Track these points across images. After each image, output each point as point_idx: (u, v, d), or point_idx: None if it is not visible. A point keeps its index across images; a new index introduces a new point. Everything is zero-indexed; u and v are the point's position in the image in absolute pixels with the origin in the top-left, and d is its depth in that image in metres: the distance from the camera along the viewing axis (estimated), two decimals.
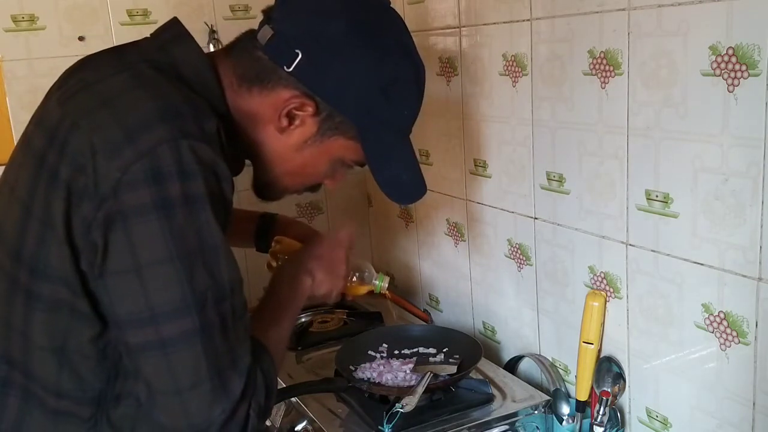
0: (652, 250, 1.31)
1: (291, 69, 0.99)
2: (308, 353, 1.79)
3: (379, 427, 1.37)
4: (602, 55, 1.34)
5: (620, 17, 1.28)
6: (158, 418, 0.92)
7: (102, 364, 0.95)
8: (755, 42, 1.07)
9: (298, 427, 1.49)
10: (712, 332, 1.22)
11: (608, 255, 1.41)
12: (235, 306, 0.94)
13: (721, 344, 1.21)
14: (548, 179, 1.53)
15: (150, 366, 0.90)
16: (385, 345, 1.66)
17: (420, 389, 1.41)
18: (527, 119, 1.56)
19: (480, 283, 1.84)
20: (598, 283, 1.45)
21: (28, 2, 1.81)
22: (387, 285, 1.40)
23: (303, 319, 1.93)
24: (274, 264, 1.34)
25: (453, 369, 1.54)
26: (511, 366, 1.70)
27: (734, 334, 1.18)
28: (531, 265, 1.63)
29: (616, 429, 1.43)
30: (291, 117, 1.03)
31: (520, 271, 1.67)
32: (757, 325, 1.15)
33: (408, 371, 1.53)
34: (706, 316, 1.23)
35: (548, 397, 1.51)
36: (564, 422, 1.49)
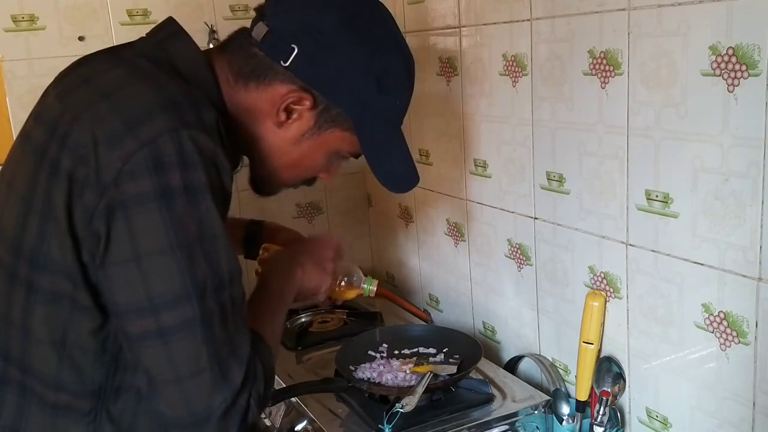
0: (652, 250, 1.31)
1: (288, 64, 1.01)
2: (308, 353, 1.79)
3: (379, 426, 1.37)
4: (602, 55, 1.34)
5: (620, 17, 1.28)
6: (159, 407, 0.92)
7: (102, 357, 0.96)
8: (755, 42, 1.07)
9: (298, 427, 1.49)
10: (712, 332, 1.22)
11: (608, 255, 1.41)
12: (234, 295, 0.94)
13: (721, 344, 1.21)
14: (548, 179, 1.53)
15: (150, 355, 0.90)
16: (385, 345, 1.66)
17: (420, 389, 1.42)
18: (527, 119, 1.56)
19: (480, 283, 1.84)
20: (598, 283, 1.45)
21: (28, 2, 1.81)
22: (375, 288, 1.41)
23: (303, 319, 1.93)
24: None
25: (453, 369, 1.54)
26: (511, 366, 1.70)
27: (734, 334, 1.18)
28: (531, 265, 1.63)
29: (616, 429, 1.43)
30: (289, 111, 1.04)
31: (520, 271, 1.67)
32: (757, 325, 1.15)
33: (408, 371, 1.53)
34: (706, 316, 1.23)
35: (548, 397, 1.51)
36: (564, 422, 1.49)
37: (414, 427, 1.39)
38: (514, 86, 1.58)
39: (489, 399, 1.49)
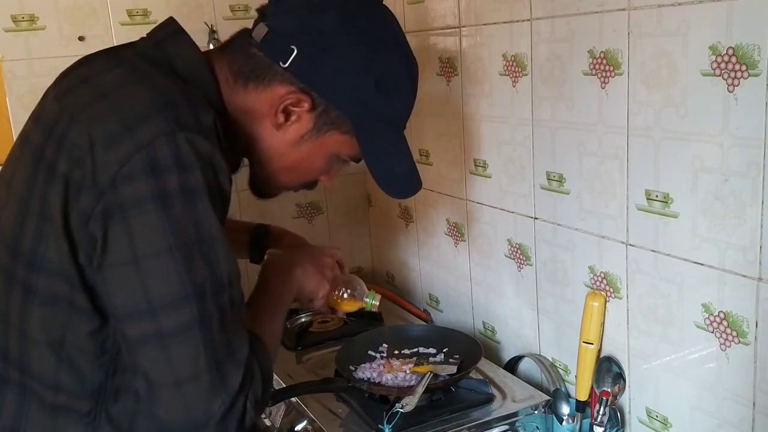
0: (652, 250, 1.31)
1: (287, 65, 1.00)
2: (308, 353, 1.79)
3: (379, 426, 1.37)
4: (602, 55, 1.34)
5: (620, 17, 1.28)
6: (157, 412, 0.92)
7: (101, 359, 0.96)
8: (755, 42, 1.07)
9: (298, 427, 1.49)
10: (712, 332, 1.22)
11: (608, 255, 1.41)
12: (233, 298, 0.94)
13: (721, 344, 1.21)
14: (548, 179, 1.53)
15: (148, 359, 0.90)
16: (385, 345, 1.66)
17: (420, 389, 1.42)
18: (527, 119, 1.56)
19: (480, 283, 1.84)
20: (598, 283, 1.45)
21: (28, 2, 1.81)
22: (378, 303, 1.39)
23: (303, 319, 1.93)
24: None
25: (453, 369, 1.54)
26: (511, 366, 1.70)
27: (734, 334, 1.18)
28: (531, 265, 1.63)
29: (616, 429, 1.43)
30: (287, 113, 1.03)
31: (520, 271, 1.67)
32: (757, 325, 1.15)
33: (408, 371, 1.53)
34: (706, 316, 1.23)
35: (548, 397, 1.51)
36: (564, 422, 1.49)
37: (414, 427, 1.39)
38: (514, 86, 1.58)
39: (489, 399, 1.49)
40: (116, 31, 1.89)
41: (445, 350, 1.63)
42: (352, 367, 1.56)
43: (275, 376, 1.64)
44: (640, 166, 1.30)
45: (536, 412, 1.48)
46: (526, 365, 1.70)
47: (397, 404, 1.37)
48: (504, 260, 1.72)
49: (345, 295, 1.36)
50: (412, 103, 1.11)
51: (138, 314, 0.89)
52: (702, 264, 1.22)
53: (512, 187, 1.65)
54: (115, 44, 1.10)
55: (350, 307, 1.38)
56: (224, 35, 1.95)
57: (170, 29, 1.04)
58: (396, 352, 1.64)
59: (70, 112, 0.93)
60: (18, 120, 1.82)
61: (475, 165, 1.76)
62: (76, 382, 0.96)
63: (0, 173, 1.03)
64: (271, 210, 2.02)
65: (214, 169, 0.92)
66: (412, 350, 1.65)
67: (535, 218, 1.60)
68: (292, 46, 1.00)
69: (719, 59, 1.12)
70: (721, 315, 1.20)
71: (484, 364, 1.63)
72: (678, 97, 1.20)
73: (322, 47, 1.00)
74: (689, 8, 1.16)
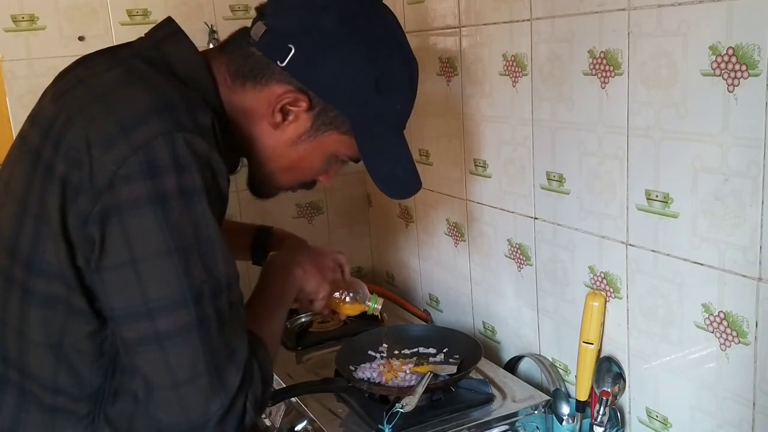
0: (652, 250, 1.31)
1: (284, 64, 1.00)
2: (308, 353, 1.79)
3: (379, 426, 1.37)
4: (602, 55, 1.34)
5: (620, 17, 1.28)
6: (156, 413, 0.92)
7: (99, 361, 0.95)
8: (755, 42, 1.07)
9: (298, 427, 1.49)
10: (712, 332, 1.22)
11: (608, 255, 1.41)
12: (232, 299, 0.94)
13: (721, 344, 1.21)
14: (548, 179, 1.53)
15: (146, 361, 0.90)
16: (385, 345, 1.66)
17: (420, 389, 1.42)
18: (527, 119, 1.56)
19: (480, 283, 1.84)
20: (598, 283, 1.45)
21: (28, 2, 1.81)
22: (380, 307, 1.39)
23: (303, 319, 1.93)
24: None
25: (453, 369, 1.54)
26: (511, 366, 1.70)
27: (734, 334, 1.18)
28: (531, 265, 1.63)
29: (616, 429, 1.43)
30: (285, 112, 1.03)
31: (520, 271, 1.67)
32: (757, 325, 1.15)
33: (408, 371, 1.53)
34: (706, 316, 1.23)
35: (548, 397, 1.51)
36: (564, 422, 1.49)
37: (414, 427, 1.39)
38: (514, 86, 1.58)
39: (489, 399, 1.49)
40: (116, 31, 1.89)
41: (445, 350, 1.63)
42: (352, 367, 1.56)
43: (275, 376, 1.64)
44: (640, 166, 1.30)
45: (536, 412, 1.48)
46: (526, 365, 1.70)
47: (397, 404, 1.37)
48: (504, 260, 1.72)
49: (347, 299, 1.36)
50: (412, 104, 1.10)
51: (135, 316, 0.88)
52: (702, 264, 1.22)
53: (512, 187, 1.65)
54: (115, 44, 1.09)
55: (352, 310, 1.38)
56: (224, 35, 1.94)
57: (168, 29, 1.04)
58: (396, 352, 1.64)
59: (67, 113, 0.93)
60: (18, 120, 1.82)
61: (475, 165, 1.76)
62: (75, 384, 0.96)
63: None
64: (271, 210, 2.02)
65: (212, 170, 0.91)
66: (412, 350, 1.65)
67: (535, 218, 1.60)
68: (290, 45, 0.99)
69: (719, 59, 1.12)
70: (721, 315, 1.20)
71: (484, 364, 1.63)
72: (678, 97, 1.20)
73: (321, 47, 1.00)
74: (689, 8, 1.16)
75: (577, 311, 1.49)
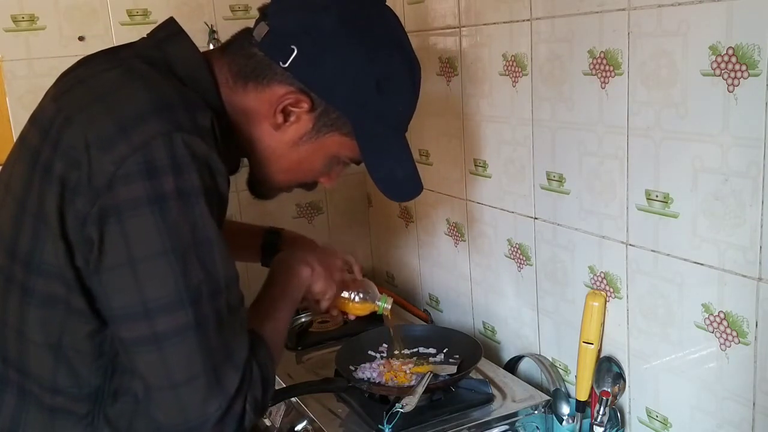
0: (652, 250, 1.31)
1: (287, 65, 0.99)
2: (308, 353, 1.79)
3: (379, 426, 1.37)
4: (602, 55, 1.34)
5: (620, 17, 1.28)
6: (155, 414, 0.92)
7: (98, 361, 0.95)
8: (755, 42, 1.07)
9: (298, 427, 1.49)
10: (712, 332, 1.22)
11: (608, 255, 1.41)
12: (231, 300, 0.93)
13: (721, 344, 1.21)
14: (548, 179, 1.53)
15: (144, 361, 0.90)
16: (385, 345, 1.66)
17: (420, 389, 1.42)
18: (527, 119, 1.56)
19: (480, 283, 1.84)
20: (598, 283, 1.45)
21: (28, 2, 1.81)
22: (390, 307, 1.39)
23: (303, 319, 1.93)
24: None
25: (453, 369, 1.54)
26: (511, 366, 1.70)
27: (734, 334, 1.18)
28: (531, 265, 1.63)
29: (616, 429, 1.43)
30: (286, 113, 1.03)
31: (520, 271, 1.67)
32: (757, 325, 1.15)
33: (408, 371, 1.53)
34: (706, 316, 1.23)
35: (548, 397, 1.51)
36: (564, 422, 1.49)
37: (414, 427, 1.39)
38: (514, 86, 1.58)
39: (489, 399, 1.49)
40: (116, 31, 1.89)
41: (445, 350, 1.63)
42: (352, 367, 1.56)
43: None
44: (640, 166, 1.30)
45: (536, 412, 1.48)
46: (526, 365, 1.70)
47: (397, 404, 1.37)
48: (504, 260, 1.72)
49: (357, 299, 1.36)
50: (414, 105, 1.10)
51: (134, 316, 0.88)
52: (702, 264, 1.22)
53: (512, 187, 1.65)
54: (115, 44, 1.09)
55: (362, 310, 1.38)
56: (224, 35, 1.96)
57: (170, 30, 1.04)
58: (396, 352, 1.64)
59: (66, 113, 0.93)
60: (18, 120, 1.82)
61: (475, 165, 1.76)
62: (74, 384, 0.96)
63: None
64: (272, 210, 2.02)
65: (210, 171, 0.91)
66: (412, 350, 1.65)
67: (535, 218, 1.60)
68: (293, 46, 0.99)
69: (719, 59, 1.12)
70: (721, 315, 1.20)
71: (484, 364, 1.63)
72: (678, 97, 1.20)
73: (322, 47, 0.99)
74: (689, 8, 1.16)
75: (577, 311, 1.49)
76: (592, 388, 1.44)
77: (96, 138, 0.88)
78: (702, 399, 1.27)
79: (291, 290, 1.18)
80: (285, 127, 1.04)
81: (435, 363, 1.59)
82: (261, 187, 1.14)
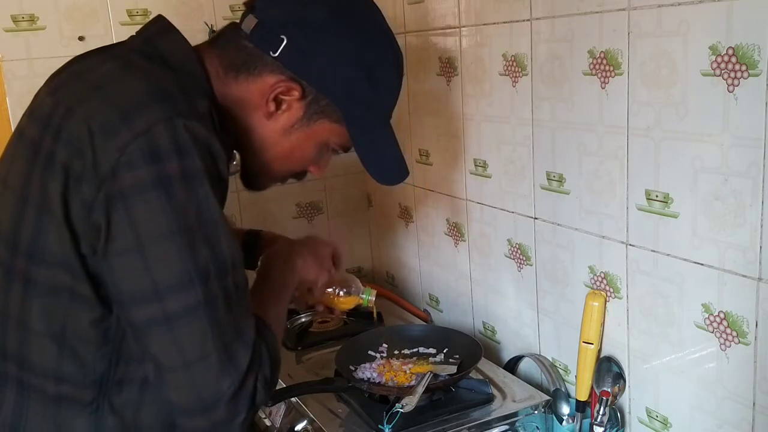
0: (652, 250, 1.31)
1: (277, 54, 1.02)
2: (308, 353, 1.79)
3: (379, 426, 1.37)
4: (602, 55, 1.34)
5: (620, 17, 1.28)
6: (168, 395, 0.93)
7: (103, 348, 0.96)
8: (755, 42, 1.07)
9: (298, 427, 1.49)
10: (712, 332, 1.22)
11: (608, 255, 1.41)
12: (237, 281, 0.95)
13: (721, 344, 1.21)
14: (548, 179, 1.53)
15: (156, 342, 0.91)
16: (385, 345, 1.66)
17: (420, 389, 1.42)
18: (527, 119, 1.56)
19: (480, 283, 1.84)
20: (598, 283, 1.45)
21: (28, 2, 1.81)
22: (374, 299, 1.43)
23: (303, 319, 1.93)
24: None
25: (453, 369, 1.54)
26: (511, 366, 1.70)
27: (734, 334, 1.18)
28: (531, 265, 1.63)
29: (616, 429, 1.43)
30: (278, 102, 1.05)
31: (520, 271, 1.67)
32: (757, 325, 1.15)
33: (408, 371, 1.53)
34: (706, 316, 1.23)
35: (548, 397, 1.51)
36: (564, 422, 1.49)
37: (414, 427, 1.39)
38: (514, 86, 1.58)
39: (489, 399, 1.49)
40: (116, 31, 1.89)
41: (445, 350, 1.63)
42: (352, 367, 1.56)
43: None
44: (640, 166, 1.30)
45: (536, 412, 1.48)
46: (526, 365, 1.70)
47: (397, 404, 1.37)
48: (504, 260, 1.72)
49: (341, 294, 1.39)
50: (399, 92, 1.13)
51: (144, 299, 0.90)
52: (702, 264, 1.22)
53: (512, 187, 1.65)
54: (107, 44, 1.11)
55: (347, 304, 1.41)
56: None
57: (159, 26, 1.06)
58: (396, 352, 1.64)
59: (66, 105, 0.94)
60: (18, 120, 1.81)
61: (475, 165, 1.76)
62: (79, 371, 0.96)
63: None
64: (272, 210, 2.02)
65: (212, 155, 0.93)
66: (412, 350, 1.65)
67: (535, 218, 1.60)
68: (282, 36, 1.01)
69: (719, 59, 1.12)
70: (721, 315, 1.20)
71: (484, 364, 1.63)
72: (678, 97, 1.20)
73: (312, 38, 1.02)
74: (689, 8, 1.16)
75: (577, 311, 1.49)
76: (592, 388, 1.44)
77: (99, 126, 0.89)
78: (702, 399, 1.27)
79: (286, 280, 1.20)
80: (277, 116, 1.06)
81: (435, 363, 1.59)
82: (255, 179, 1.16)
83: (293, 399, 1.52)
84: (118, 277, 0.91)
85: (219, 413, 0.93)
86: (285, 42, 1.01)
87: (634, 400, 1.42)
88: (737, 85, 1.10)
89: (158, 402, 0.98)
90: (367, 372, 1.54)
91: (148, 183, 0.88)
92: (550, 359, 1.62)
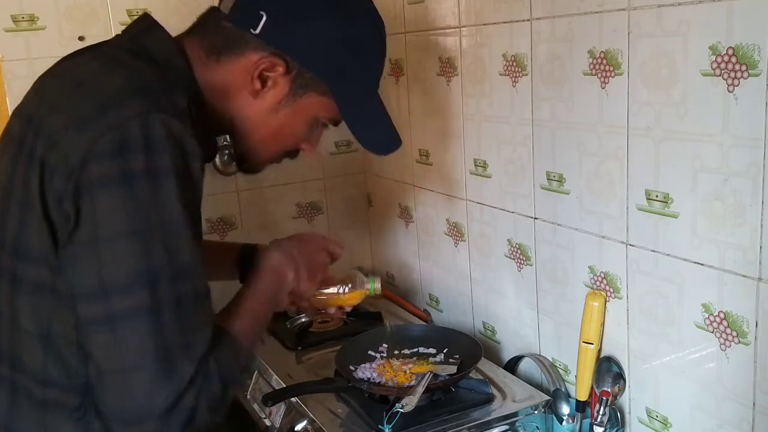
0: (652, 250, 1.31)
1: (257, 31, 1.01)
2: (308, 353, 1.79)
3: (379, 426, 1.37)
4: (602, 55, 1.34)
5: (620, 17, 1.28)
6: (105, 398, 0.90)
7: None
8: (755, 42, 1.07)
9: (298, 427, 1.49)
10: (712, 332, 1.22)
11: (608, 255, 1.41)
12: (197, 288, 0.92)
13: (721, 344, 1.21)
14: (548, 179, 1.53)
15: (96, 342, 0.89)
16: (385, 345, 1.66)
17: (420, 389, 1.42)
18: (527, 119, 1.56)
19: (480, 283, 1.84)
20: (598, 283, 1.45)
21: (28, 2, 1.81)
22: (380, 285, 1.43)
23: (303, 319, 1.93)
24: None
25: (453, 369, 1.54)
26: (511, 366, 1.70)
27: (734, 334, 1.18)
28: (531, 265, 1.63)
29: (616, 429, 1.43)
30: (263, 79, 1.05)
31: (520, 271, 1.67)
32: (757, 325, 1.15)
33: (408, 371, 1.53)
34: (706, 316, 1.23)
35: (548, 397, 1.51)
36: (564, 422, 1.49)
37: (414, 427, 1.39)
38: (514, 86, 1.58)
39: (489, 399, 1.49)
40: (116, 31, 1.87)
41: (445, 350, 1.63)
42: (352, 367, 1.56)
43: (275, 376, 1.64)
44: (640, 166, 1.30)
45: (536, 412, 1.48)
46: (526, 365, 1.70)
47: (397, 404, 1.37)
48: (504, 260, 1.72)
49: (346, 290, 1.40)
50: (384, 60, 1.13)
51: (91, 296, 0.88)
52: (702, 264, 1.22)
53: (512, 187, 1.65)
54: (96, 42, 1.11)
55: (354, 299, 1.42)
56: None
57: (144, 24, 1.06)
58: (396, 352, 1.64)
59: (48, 101, 0.95)
60: None
61: (475, 165, 1.76)
62: (64, 375, 0.95)
63: None
64: (272, 210, 2.02)
65: (183, 152, 0.91)
66: (412, 350, 1.65)
67: (535, 218, 1.60)
68: (261, 12, 1.01)
69: (719, 59, 1.12)
70: (721, 315, 1.20)
71: (484, 364, 1.63)
72: (678, 97, 1.20)
73: (292, 12, 1.02)
74: (689, 8, 1.16)
75: (577, 311, 1.49)
76: (592, 388, 1.44)
77: (75, 119, 0.89)
78: (702, 399, 1.27)
79: (270, 292, 1.18)
80: (263, 93, 1.06)
81: (435, 363, 1.59)
82: (247, 161, 1.15)
83: (293, 399, 1.52)
84: (71, 269, 0.89)
85: (149, 426, 0.89)
86: (264, 18, 1.01)
87: (634, 400, 1.42)
88: (737, 85, 1.10)
89: (99, 403, 0.94)
90: (367, 372, 1.54)
91: (113, 177, 0.87)
92: (550, 359, 1.62)
